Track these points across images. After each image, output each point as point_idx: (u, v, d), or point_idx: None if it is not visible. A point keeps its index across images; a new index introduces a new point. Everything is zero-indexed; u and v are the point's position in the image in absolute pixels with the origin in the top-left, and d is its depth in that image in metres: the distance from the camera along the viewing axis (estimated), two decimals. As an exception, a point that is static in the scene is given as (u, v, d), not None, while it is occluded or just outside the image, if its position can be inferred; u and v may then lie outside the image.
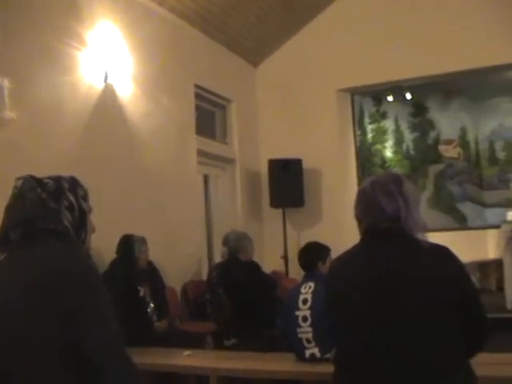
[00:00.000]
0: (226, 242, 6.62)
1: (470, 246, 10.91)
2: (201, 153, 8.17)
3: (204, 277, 7.36)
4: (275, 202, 8.99)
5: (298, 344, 4.22)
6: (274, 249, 9.08)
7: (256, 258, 6.69)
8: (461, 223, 12.20)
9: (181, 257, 7.28)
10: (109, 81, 6.36)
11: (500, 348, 3.62)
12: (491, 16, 8.77)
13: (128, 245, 5.81)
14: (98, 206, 2.42)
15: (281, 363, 4.32)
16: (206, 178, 8.76)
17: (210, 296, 6.37)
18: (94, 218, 2.28)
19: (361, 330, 2.33)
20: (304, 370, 4.07)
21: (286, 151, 9.11)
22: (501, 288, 9.55)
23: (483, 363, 2.89)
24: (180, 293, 7.15)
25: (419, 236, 2.42)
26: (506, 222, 9.28)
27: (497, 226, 9.97)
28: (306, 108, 9.56)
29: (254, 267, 6.36)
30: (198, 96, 8.28)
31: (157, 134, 7.18)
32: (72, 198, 2.13)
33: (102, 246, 5.10)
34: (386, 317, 2.27)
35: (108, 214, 5.28)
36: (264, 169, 9.21)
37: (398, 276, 2.30)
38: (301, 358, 4.22)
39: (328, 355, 3.87)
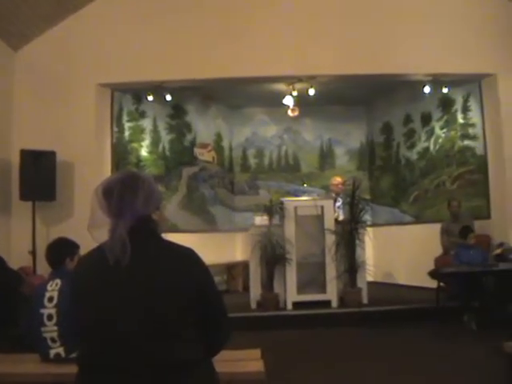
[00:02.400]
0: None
1: (219, 248, 11.31)
2: None
3: None
4: (25, 195, 8.60)
5: (43, 344, 4.06)
6: (21, 243, 8.68)
7: (2, 253, 6.36)
8: (211, 225, 12.54)
9: None
10: None
11: (244, 345, 3.75)
12: (253, 29, 9.19)
13: None
14: None
15: (24, 365, 4.09)
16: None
17: None
18: None
19: (103, 328, 2.30)
20: (48, 371, 3.90)
21: (40, 142, 8.78)
22: (247, 288, 9.95)
23: (226, 360, 3.00)
24: None
25: (163, 236, 2.48)
26: (253, 226, 9.68)
27: (245, 230, 10.38)
28: (64, 99, 9.31)
29: (-1, 262, 6.04)
30: None
31: None
32: None
33: None
34: (129, 315, 2.27)
35: None
36: (15, 159, 8.77)
37: (143, 275, 2.31)
38: (45, 358, 4.07)
39: (73, 355, 3.77)
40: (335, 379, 5.70)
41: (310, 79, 10.07)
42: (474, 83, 10.37)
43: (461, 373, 5.70)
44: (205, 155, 12.76)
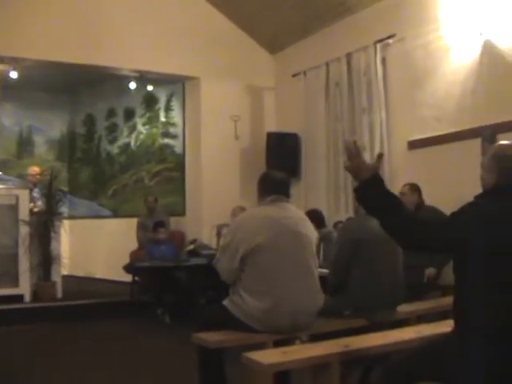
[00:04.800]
0: None
1: None
2: None
3: None
4: None
5: None
6: None
7: None
8: None
9: None
10: None
11: None
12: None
13: None
14: None
15: None
16: None
17: None
18: None
19: None
20: None
21: None
22: None
23: None
24: None
25: None
26: None
27: None
28: None
29: None
30: None
31: None
32: None
33: None
34: None
35: None
36: None
37: None
38: None
39: None
40: (26, 377, 5.53)
41: (13, 61, 9.62)
42: (178, 84, 10.70)
43: (154, 364, 5.87)
44: None
